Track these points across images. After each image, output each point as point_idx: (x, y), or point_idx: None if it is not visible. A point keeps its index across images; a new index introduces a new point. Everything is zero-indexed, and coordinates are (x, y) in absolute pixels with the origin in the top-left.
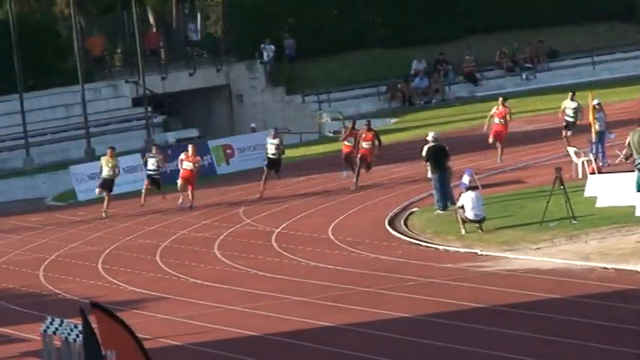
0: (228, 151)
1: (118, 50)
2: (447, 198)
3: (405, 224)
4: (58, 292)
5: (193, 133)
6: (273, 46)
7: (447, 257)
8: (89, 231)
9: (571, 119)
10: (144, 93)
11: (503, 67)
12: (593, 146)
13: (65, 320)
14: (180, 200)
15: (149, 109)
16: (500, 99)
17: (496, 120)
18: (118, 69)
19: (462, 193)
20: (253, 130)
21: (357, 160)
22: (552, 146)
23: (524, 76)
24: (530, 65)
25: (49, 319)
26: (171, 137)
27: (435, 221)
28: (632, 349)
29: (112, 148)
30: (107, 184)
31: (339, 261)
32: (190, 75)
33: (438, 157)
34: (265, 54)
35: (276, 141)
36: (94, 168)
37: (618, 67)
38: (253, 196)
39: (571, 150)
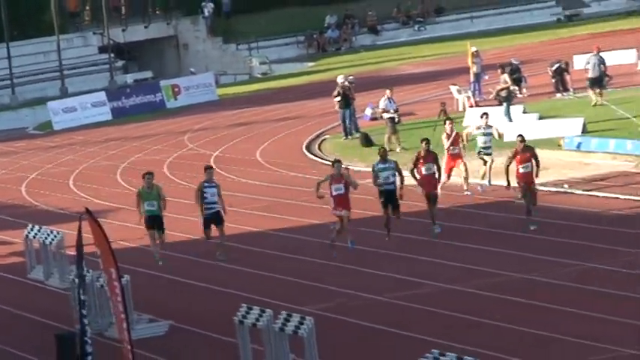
0: (176, 89)
1: (87, 7)
2: (352, 128)
3: (319, 148)
4: (37, 204)
5: (148, 74)
6: (212, 4)
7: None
8: (62, 155)
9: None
10: (108, 42)
11: (399, 21)
12: (472, 85)
13: (43, 227)
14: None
15: (112, 55)
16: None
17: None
18: (87, 23)
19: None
20: (192, 73)
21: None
22: (438, 85)
23: (416, 28)
24: (421, 19)
25: (30, 226)
26: (130, 78)
27: (342, 146)
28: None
29: (150, 175)
30: (152, 223)
31: (266, 178)
32: (145, 27)
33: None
34: (206, 10)
35: None
36: (67, 103)
37: (491, 21)
38: (196, 125)
39: (453, 88)
